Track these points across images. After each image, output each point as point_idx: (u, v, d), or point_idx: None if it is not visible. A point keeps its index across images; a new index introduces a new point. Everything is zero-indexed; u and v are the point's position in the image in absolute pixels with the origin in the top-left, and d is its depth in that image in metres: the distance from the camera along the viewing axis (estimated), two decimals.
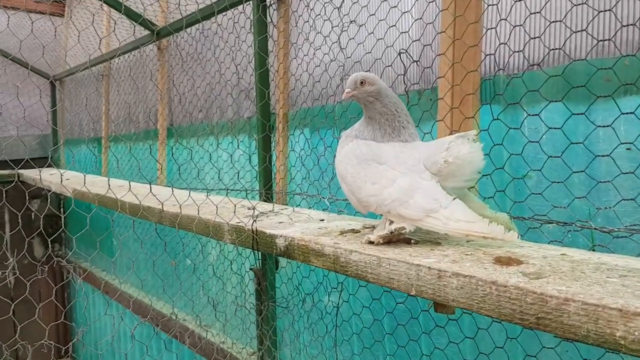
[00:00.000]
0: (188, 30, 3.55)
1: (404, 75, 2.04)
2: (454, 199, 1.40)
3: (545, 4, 1.63)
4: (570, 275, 1.13)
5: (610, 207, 1.51)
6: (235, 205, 2.29)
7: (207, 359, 3.37)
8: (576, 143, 1.51)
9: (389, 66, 2.13)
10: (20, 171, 5.72)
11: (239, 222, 2.04)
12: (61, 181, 4.40)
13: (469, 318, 1.93)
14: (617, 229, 1.46)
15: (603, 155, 1.47)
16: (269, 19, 2.74)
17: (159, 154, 3.96)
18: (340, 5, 2.27)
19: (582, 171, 1.51)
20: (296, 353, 2.76)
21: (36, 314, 2.61)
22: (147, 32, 3.90)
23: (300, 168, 2.64)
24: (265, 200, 2.71)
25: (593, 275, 1.13)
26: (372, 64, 2.19)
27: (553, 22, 1.62)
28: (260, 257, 2.66)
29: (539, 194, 1.60)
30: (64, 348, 5.87)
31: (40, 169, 5.98)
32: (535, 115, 1.61)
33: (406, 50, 1.99)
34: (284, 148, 2.78)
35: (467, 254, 1.33)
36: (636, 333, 0.89)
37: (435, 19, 1.88)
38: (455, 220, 1.36)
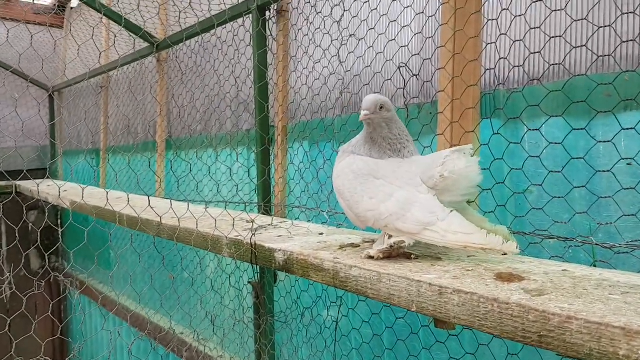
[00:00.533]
0: (188, 42, 3.56)
1: (403, 89, 2.04)
2: (451, 211, 1.39)
3: (545, 19, 1.64)
4: (572, 292, 1.12)
5: (611, 223, 1.51)
6: (234, 219, 2.27)
7: None
8: (577, 158, 1.50)
9: (388, 80, 2.13)
10: (18, 183, 5.70)
11: (237, 236, 2.03)
12: (59, 194, 4.39)
13: (469, 334, 1.92)
14: (618, 245, 1.46)
15: (604, 171, 1.46)
16: (268, 32, 2.74)
17: (157, 166, 3.95)
18: (340, 19, 2.28)
19: (583, 186, 1.50)
20: None
21: (32, 330, 2.58)
22: (146, 44, 3.91)
23: (299, 181, 2.63)
24: (264, 213, 2.70)
25: (595, 292, 1.12)
26: (372, 78, 2.19)
27: (553, 37, 1.62)
28: (258, 271, 2.64)
29: (539, 209, 1.59)
30: None
31: (38, 180, 5.96)
32: (536, 130, 1.60)
33: (406, 64, 1.99)
34: (283, 161, 2.77)
35: (468, 270, 1.32)
36: None
37: (435, 34, 1.88)
38: (453, 232, 1.36)
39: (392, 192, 1.46)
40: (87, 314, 5.58)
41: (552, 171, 1.54)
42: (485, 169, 1.59)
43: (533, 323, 1.03)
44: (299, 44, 2.64)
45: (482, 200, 1.62)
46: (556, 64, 1.64)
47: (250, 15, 2.75)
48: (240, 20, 2.98)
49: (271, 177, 2.75)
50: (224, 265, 3.20)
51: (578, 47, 1.58)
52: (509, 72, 1.77)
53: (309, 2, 2.51)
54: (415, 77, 2.02)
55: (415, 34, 2.02)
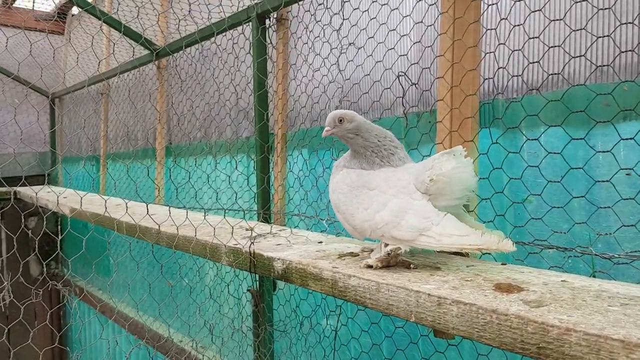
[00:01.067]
0: (187, 50, 3.56)
1: (402, 98, 2.04)
2: (446, 214, 1.39)
3: (544, 29, 1.64)
4: (571, 304, 1.12)
5: (610, 233, 1.50)
6: (233, 227, 2.27)
7: None
8: (576, 168, 1.50)
9: (387, 88, 2.13)
10: (18, 189, 5.69)
11: (236, 244, 2.02)
12: (58, 200, 4.38)
13: (469, 344, 1.91)
14: (617, 255, 1.45)
15: (603, 181, 1.46)
16: (268, 41, 2.75)
17: (157, 173, 3.94)
18: (339, 28, 2.29)
19: (582, 196, 1.50)
20: None
21: (30, 338, 2.57)
22: (146, 51, 3.92)
23: (298, 189, 2.63)
24: (263, 221, 2.69)
25: (594, 303, 1.11)
26: (371, 86, 2.20)
27: (552, 47, 1.62)
28: (257, 279, 2.63)
29: (539, 218, 1.58)
30: None
31: (37, 187, 5.97)
32: (535, 139, 1.60)
33: (405, 73, 1.99)
34: (282, 169, 2.77)
35: (467, 280, 1.31)
36: None
37: (434, 43, 1.88)
38: (448, 235, 1.36)
39: (385, 202, 1.46)
40: (86, 322, 5.56)
41: (551, 181, 1.54)
42: (484, 179, 1.59)
43: (532, 335, 1.03)
44: (298, 52, 2.65)
45: (481, 210, 1.61)
46: (555, 74, 1.64)
47: (250, 24, 2.76)
48: (240, 28, 2.99)
49: (270, 184, 2.74)
50: (223, 273, 3.19)
51: (577, 57, 1.58)
52: (507, 82, 1.77)
53: (309, 11, 2.51)
54: (414, 85, 2.02)
55: (414, 43, 2.02)
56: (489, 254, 1.63)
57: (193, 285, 3.57)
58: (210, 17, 3.20)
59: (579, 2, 1.53)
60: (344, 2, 2.23)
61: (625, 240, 1.49)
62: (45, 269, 6.20)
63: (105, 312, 4.88)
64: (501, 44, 1.74)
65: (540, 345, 1.01)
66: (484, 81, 1.76)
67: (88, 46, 5.58)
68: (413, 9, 2.01)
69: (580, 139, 1.47)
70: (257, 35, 2.68)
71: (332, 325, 2.37)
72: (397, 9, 2.03)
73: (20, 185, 5.92)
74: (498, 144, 1.60)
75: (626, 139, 1.39)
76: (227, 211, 2.98)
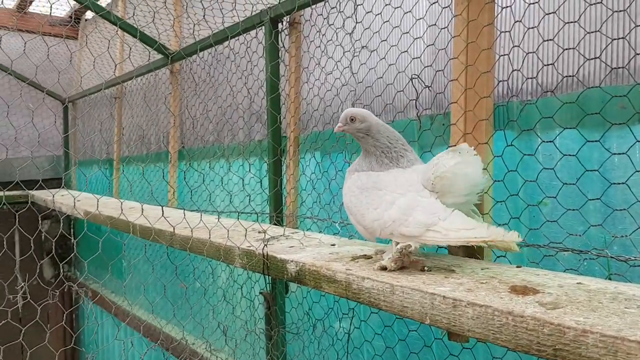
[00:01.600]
0: (200, 54, 3.59)
1: (415, 100, 2.05)
2: (453, 210, 1.39)
3: (559, 31, 1.64)
4: (588, 306, 1.11)
5: (626, 236, 1.49)
6: (246, 229, 2.28)
7: None
8: (591, 170, 1.50)
9: (400, 91, 2.14)
10: (32, 192, 5.76)
11: (249, 246, 2.03)
12: (73, 203, 4.43)
13: (483, 347, 1.90)
14: (633, 258, 1.44)
15: (618, 183, 1.45)
16: (280, 44, 2.76)
17: (170, 176, 3.97)
18: (352, 31, 2.29)
19: (597, 199, 1.49)
20: None
21: (46, 339, 2.60)
22: (160, 55, 3.95)
23: (311, 191, 2.64)
24: (275, 224, 2.70)
25: (610, 305, 1.11)
26: (384, 89, 2.20)
27: (566, 49, 1.62)
28: (270, 281, 2.64)
29: (554, 221, 1.58)
30: None
31: (52, 190, 6.03)
32: (550, 141, 1.60)
33: (418, 76, 2.00)
34: (294, 171, 2.78)
35: (482, 282, 1.31)
36: None
37: (448, 45, 1.88)
38: (455, 230, 1.36)
39: (394, 200, 1.48)
40: (100, 323, 5.60)
41: (566, 183, 1.54)
42: (499, 181, 1.59)
43: (548, 336, 1.02)
44: (311, 56, 2.66)
45: (496, 212, 1.61)
46: (570, 76, 1.64)
47: (263, 27, 2.77)
48: (252, 32, 3.00)
49: (283, 187, 2.76)
50: (236, 275, 3.21)
51: (592, 59, 1.57)
52: (522, 84, 1.77)
53: (321, 15, 2.52)
54: (427, 88, 2.02)
55: (427, 46, 2.03)
56: (504, 256, 1.63)
57: (206, 287, 3.59)
58: (223, 21, 3.22)
59: (594, 4, 1.53)
60: (357, 5, 2.24)
61: None
62: (60, 271, 6.25)
63: (119, 314, 4.91)
64: (515, 46, 1.74)
65: (557, 347, 1.01)
66: (498, 83, 1.76)
67: (102, 51, 5.64)
68: (426, 11, 2.02)
69: (596, 141, 1.46)
70: (271, 40, 2.69)
71: (345, 328, 2.37)
72: (410, 11, 2.03)
73: (35, 189, 5.97)
74: (513, 146, 1.59)
75: None
76: (240, 214, 3.00)
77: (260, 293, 2.71)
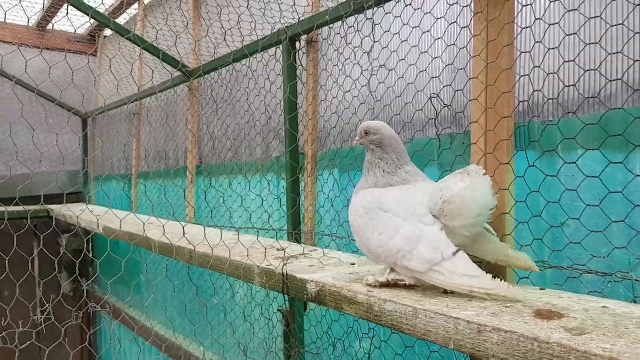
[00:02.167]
0: (219, 72, 3.63)
1: (435, 120, 2.05)
2: (458, 250, 1.38)
3: (580, 52, 1.63)
4: (614, 332, 1.10)
5: None
6: (266, 248, 2.29)
7: None
8: (615, 192, 1.48)
9: (419, 110, 2.14)
10: (51, 207, 5.83)
11: (269, 265, 2.04)
12: (92, 218, 4.47)
13: None
14: None
15: None
16: (298, 62, 2.79)
17: (188, 192, 4.00)
18: (370, 50, 2.31)
19: (621, 221, 1.48)
20: None
21: (70, 356, 2.62)
22: (179, 73, 4.00)
23: (329, 209, 2.64)
24: (294, 241, 2.71)
25: (637, 332, 1.10)
26: (403, 108, 2.21)
27: (588, 70, 1.61)
28: (288, 299, 2.64)
29: (577, 243, 1.56)
30: None
31: (71, 205, 6.09)
32: (572, 163, 1.59)
33: (437, 95, 2.00)
34: (312, 189, 2.79)
35: (507, 307, 1.30)
36: None
37: (467, 65, 1.89)
38: (459, 275, 1.35)
39: (398, 227, 1.48)
40: (117, 338, 5.63)
41: (589, 205, 1.52)
42: (521, 202, 1.58)
43: None
44: (328, 74, 2.68)
45: (518, 233, 1.60)
46: (592, 98, 1.63)
47: (281, 46, 2.80)
48: (271, 50, 3.03)
49: (301, 204, 2.76)
50: (254, 292, 3.21)
51: (614, 80, 1.57)
52: (543, 105, 1.77)
53: (339, 34, 2.54)
54: (447, 107, 2.02)
55: (446, 66, 2.03)
56: (527, 277, 1.62)
57: (225, 305, 3.59)
58: (243, 40, 3.26)
59: (616, 25, 1.53)
60: (375, 25, 2.26)
61: None
62: (77, 285, 6.30)
63: (136, 329, 4.93)
64: (536, 67, 1.74)
65: None
66: (519, 104, 1.76)
67: (122, 67, 5.72)
68: (445, 31, 2.02)
69: (619, 162, 1.45)
70: (290, 60, 2.72)
71: (366, 348, 2.35)
72: (428, 31, 2.04)
73: (54, 203, 6.06)
74: (535, 167, 1.58)
75: None
76: (259, 231, 3.01)
77: (279, 311, 2.71)
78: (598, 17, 1.56)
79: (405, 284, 1.50)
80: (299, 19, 2.65)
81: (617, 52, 1.52)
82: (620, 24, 1.47)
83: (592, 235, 1.54)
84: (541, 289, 1.48)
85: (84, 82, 6.59)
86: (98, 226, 4.12)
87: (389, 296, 1.46)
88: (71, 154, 6.80)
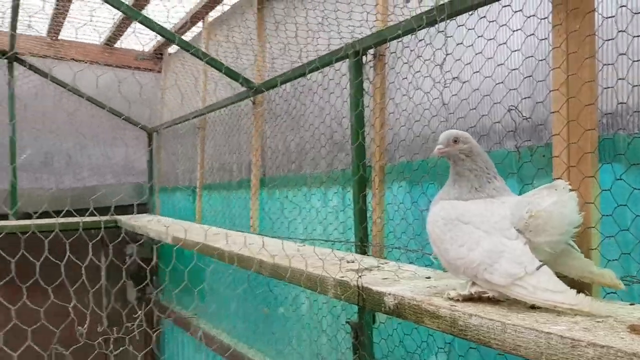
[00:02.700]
0: (283, 85, 3.71)
1: (514, 132, 2.03)
2: (542, 264, 1.36)
3: None
4: None
5: None
6: (340, 260, 2.31)
7: None
8: None
9: (497, 122, 2.13)
10: (118, 217, 6.07)
11: (343, 277, 2.06)
12: (158, 228, 4.63)
13: None
14: None
15: None
16: (365, 76, 2.82)
17: (252, 203, 4.09)
18: (443, 63, 2.31)
19: None
20: None
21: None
22: (243, 87, 4.11)
23: (399, 221, 2.65)
24: (361, 253, 2.73)
25: None
26: (478, 120, 2.20)
27: None
28: (357, 310, 2.65)
29: None
30: None
31: (137, 215, 6.33)
32: None
33: (515, 107, 1.99)
34: (380, 201, 2.80)
35: (598, 321, 1.28)
36: None
37: (547, 78, 1.86)
38: (542, 289, 1.33)
39: (479, 239, 1.46)
40: (181, 345, 5.77)
41: None
42: (607, 215, 1.55)
43: None
44: (397, 87, 2.70)
45: (604, 247, 1.57)
46: None
47: (347, 60, 2.84)
48: (337, 64, 3.08)
49: (368, 217, 2.78)
50: (320, 303, 3.24)
51: None
52: (628, 117, 1.73)
53: (408, 47, 2.56)
54: (526, 120, 2.00)
55: (525, 77, 2.01)
56: (614, 292, 1.58)
57: (288, 315, 3.64)
58: (308, 56, 3.33)
59: None
60: (447, 37, 2.27)
61: None
62: (142, 294, 6.51)
63: (199, 336, 5.05)
64: (620, 79, 1.70)
65: None
66: (603, 116, 1.73)
67: (186, 83, 5.93)
68: (522, 43, 2.01)
69: None
70: (359, 77, 2.75)
71: None
72: (504, 43, 2.03)
73: (120, 214, 6.32)
74: (622, 180, 1.55)
75: None
76: (330, 243, 3.04)
77: (347, 323, 2.72)
78: None
79: (489, 297, 1.50)
80: (361, 33, 2.68)
81: None
82: None
83: None
84: (631, 304, 1.45)
85: (149, 98, 6.87)
86: (167, 236, 4.25)
87: (473, 310, 1.45)
88: (136, 166, 7.08)
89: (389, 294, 1.80)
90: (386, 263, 2.39)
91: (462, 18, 2.20)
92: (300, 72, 3.30)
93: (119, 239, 4.42)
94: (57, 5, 5.13)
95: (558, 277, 1.37)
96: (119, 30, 5.93)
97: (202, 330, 4.98)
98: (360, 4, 2.85)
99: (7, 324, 2.56)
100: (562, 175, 1.63)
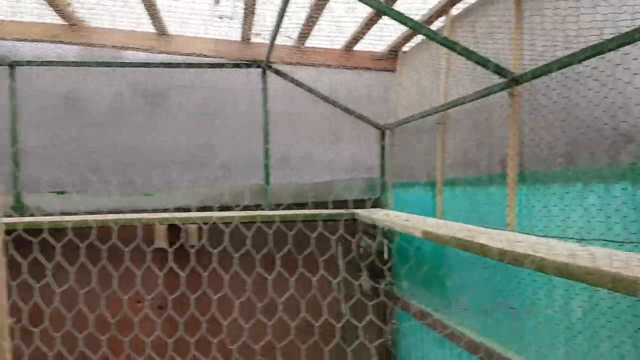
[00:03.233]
0: (550, 74, 3.48)
1: None
2: None
3: None
4: None
5: None
6: None
7: None
8: None
9: None
10: (355, 210, 6.36)
11: None
12: (398, 222, 4.71)
13: None
14: None
15: None
16: None
17: (509, 200, 3.92)
18: None
19: None
20: None
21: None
22: (497, 78, 3.96)
23: None
24: None
25: None
26: None
27: None
28: None
29: None
30: None
31: (373, 209, 6.57)
32: None
33: None
34: None
35: None
36: None
37: None
38: None
39: None
40: (419, 340, 5.83)
41: None
42: None
43: None
44: None
45: None
46: None
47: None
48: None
49: None
50: (603, 308, 2.96)
51: None
52: None
53: None
54: None
55: None
56: None
57: (556, 317, 3.40)
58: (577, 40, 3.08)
59: None
60: None
61: None
62: (376, 285, 6.73)
63: (440, 330, 5.03)
64: None
65: None
66: None
67: (422, 80, 5.97)
68: None
69: None
70: None
71: None
72: None
73: (356, 207, 6.62)
74: None
75: None
76: (617, 244, 2.78)
77: None
78: None
79: None
80: None
81: None
82: None
83: None
84: None
85: (383, 96, 7.09)
86: (414, 230, 4.30)
87: None
88: (366, 162, 7.36)
89: None
90: None
91: None
92: (579, 59, 3.06)
93: (355, 232, 4.58)
94: (311, 14, 5.52)
95: None
96: (358, 34, 6.20)
97: (443, 324, 4.95)
98: None
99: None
100: None
